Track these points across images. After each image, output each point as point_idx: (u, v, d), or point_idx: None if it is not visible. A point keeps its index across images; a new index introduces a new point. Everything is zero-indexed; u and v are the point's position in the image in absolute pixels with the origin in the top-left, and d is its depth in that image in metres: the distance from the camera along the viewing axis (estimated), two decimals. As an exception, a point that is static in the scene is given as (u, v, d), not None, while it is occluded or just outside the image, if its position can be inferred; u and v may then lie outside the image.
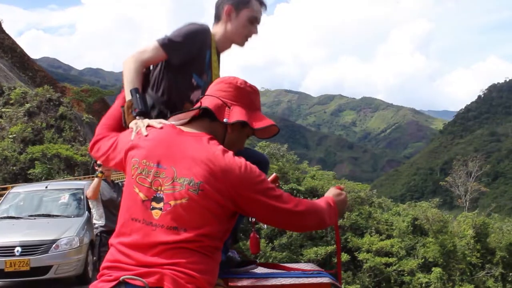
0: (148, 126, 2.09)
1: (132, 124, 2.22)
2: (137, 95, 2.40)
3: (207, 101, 1.91)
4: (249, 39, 2.84)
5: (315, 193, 29.40)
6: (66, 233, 8.49)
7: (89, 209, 8.35)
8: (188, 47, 2.59)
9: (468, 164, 58.48)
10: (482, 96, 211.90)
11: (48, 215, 9.31)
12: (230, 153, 1.80)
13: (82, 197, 9.46)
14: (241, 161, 1.79)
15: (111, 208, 7.15)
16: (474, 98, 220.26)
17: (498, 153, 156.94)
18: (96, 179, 7.11)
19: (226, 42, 2.81)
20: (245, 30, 2.77)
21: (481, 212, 37.62)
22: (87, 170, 28.40)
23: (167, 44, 2.54)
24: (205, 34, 2.68)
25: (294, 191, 28.23)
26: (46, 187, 10.28)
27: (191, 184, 1.73)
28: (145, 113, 2.33)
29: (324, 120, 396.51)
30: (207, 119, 1.90)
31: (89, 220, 8.68)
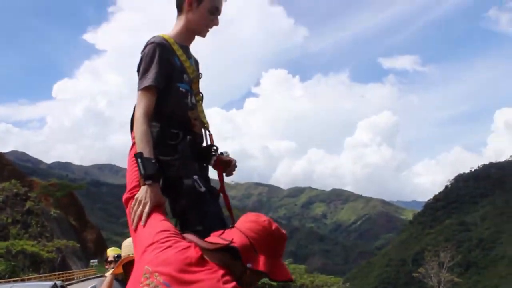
0: (150, 213, 2.16)
1: (134, 205, 2.26)
2: (139, 159, 2.37)
3: (237, 237, 1.82)
4: (209, 30, 2.87)
5: (287, 287, 28.81)
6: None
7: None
8: (162, 66, 2.60)
9: (439, 254, 58.43)
10: (449, 186, 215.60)
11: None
12: None
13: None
14: None
15: None
16: (441, 188, 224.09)
17: (468, 242, 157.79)
18: (108, 277, 6.82)
19: (188, 33, 2.82)
20: (206, 21, 2.79)
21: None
22: (53, 268, 27.49)
23: (148, 82, 2.57)
24: (163, 44, 2.68)
25: (267, 286, 27.64)
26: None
27: None
28: (151, 176, 2.33)
29: (295, 212, 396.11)
30: (229, 254, 1.80)
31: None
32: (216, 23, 2.85)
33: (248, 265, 1.79)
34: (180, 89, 2.70)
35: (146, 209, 2.24)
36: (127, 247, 3.96)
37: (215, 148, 2.78)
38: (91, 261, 47.13)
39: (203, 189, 2.56)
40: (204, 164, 2.78)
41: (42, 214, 39.18)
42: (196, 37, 2.91)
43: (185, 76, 2.74)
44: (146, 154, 2.41)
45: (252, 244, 1.82)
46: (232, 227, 1.91)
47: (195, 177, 2.57)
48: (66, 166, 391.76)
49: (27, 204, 34.92)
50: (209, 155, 2.79)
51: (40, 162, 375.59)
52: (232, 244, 1.79)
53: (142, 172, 2.32)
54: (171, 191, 2.57)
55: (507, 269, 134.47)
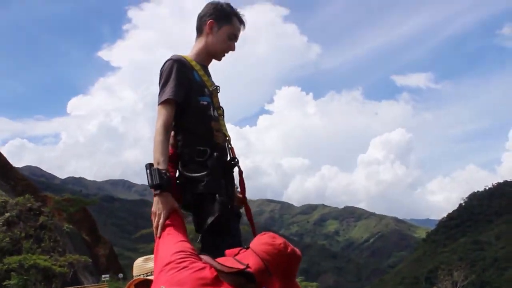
0: (168, 224, 2.27)
1: (153, 218, 2.39)
2: (148, 170, 2.46)
3: (252, 261, 1.83)
4: (226, 54, 2.98)
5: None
6: None
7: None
8: (180, 80, 2.70)
9: (453, 273, 57.83)
10: (463, 204, 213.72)
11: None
12: None
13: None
14: None
15: None
16: (455, 206, 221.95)
17: (482, 261, 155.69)
18: None
19: (206, 55, 2.94)
20: (224, 45, 2.93)
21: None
22: (65, 282, 27.56)
23: (166, 96, 2.67)
24: (181, 61, 2.79)
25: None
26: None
27: None
28: (158, 186, 2.42)
29: (307, 229, 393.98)
30: (244, 279, 1.79)
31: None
32: (233, 49, 2.97)
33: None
34: (201, 102, 2.77)
35: (161, 221, 2.34)
36: (138, 267, 4.01)
37: (236, 160, 2.83)
38: (103, 276, 47.15)
39: (229, 206, 2.66)
40: (227, 179, 2.81)
41: (55, 229, 39.32)
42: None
43: (205, 90, 2.81)
44: (159, 164, 2.51)
45: (267, 266, 1.81)
46: (247, 248, 1.91)
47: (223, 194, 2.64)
48: (80, 181, 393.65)
49: (40, 219, 35.07)
50: (231, 169, 2.85)
51: (54, 177, 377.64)
52: (248, 270, 1.79)
53: (149, 182, 2.41)
54: (200, 207, 2.64)
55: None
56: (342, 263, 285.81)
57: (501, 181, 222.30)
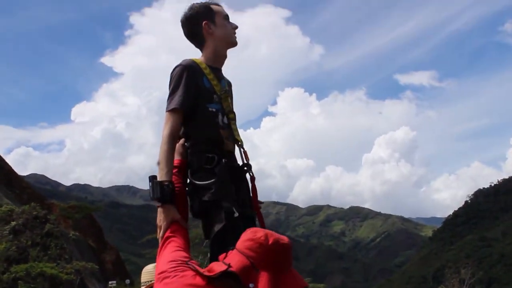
0: (169, 236, 2.33)
1: (158, 230, 2.48)
2: (150, 183, 2.52)
3: (235, 260, 1.81)
4: (235, 34, 3.03)
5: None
6: None
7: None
8: (188, 88, 2.73)
9: (460, 271, 57.69)
10: (469, 201, 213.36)
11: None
12: None
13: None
14: None
15: None
16: (460, 204, 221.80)
17: (489, 258, 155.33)
18: None
19: (220, 54, 2.97)
20: (229, 29, 2.98)
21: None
22: (72, 289, 27.61)
23: (173, 105, 2.71)
24: (191, 66, 2.81)
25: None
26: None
27: None
28: (161, 199, 2.49)
29: (313, 231, 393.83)
30: (232, 280, 1.76)
31: None
32: (236, 26, 3.01)
33: (251, 285, 1.74)
34: (210, 109, 2.79)
35: (161, 233, 2.41)
36: (149, 272, 4.04)
37: (249, 166, 2.85)
38: (110, 282, 47.17)
39: (236, 214, 2.62)
40: (240, 185, 2.82)
41: (61, 236, 39.40)
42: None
43: (215, 96, 2.83)
44: (163, 174, 2.56)
45: (252, 263, 1.77)
46: (233, 248, 1.89)
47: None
48: (85, 188, 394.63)
49: (46, 227, 35.13)
50: (243, 174, 2.86)
51: (59, 184, 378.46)
52: (230, 269, 1.76)
53: (151, 195, 2.48)
54: (207, 214, 2.66)
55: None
56: (349, 263, 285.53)
57: (506, 177, 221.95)
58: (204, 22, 2.90)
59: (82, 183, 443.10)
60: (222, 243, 2.56)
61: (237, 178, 2.80)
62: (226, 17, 3.01)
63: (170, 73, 2.83)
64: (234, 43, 3.04)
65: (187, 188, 2.73)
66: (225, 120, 2.86)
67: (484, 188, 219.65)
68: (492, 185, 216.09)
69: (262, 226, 2.87)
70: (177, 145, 2.75)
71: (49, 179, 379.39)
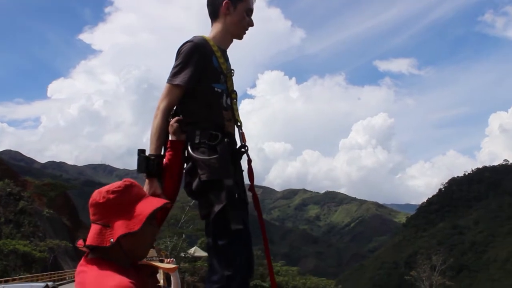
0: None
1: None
2: (138, 156, 2.55)
3: (89, 233, 1.74)
4: (246, 31, 3.00)
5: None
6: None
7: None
8: (196, 67, 2.70)
9: (432, 257, 58.68)
10: (443, 189, 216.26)
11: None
12: None
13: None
14: None
15: None
16: (435, 191, 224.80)
17: (461, 245, 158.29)
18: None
19: (227, 37, 2.94)
20: (244, 23, 2.93)
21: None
22: (45, 268, 27.39)
23: (178, 80, 2.68)
24: (202, 44, 2.78)
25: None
26: None
27: None
28: (149, 174, 2.53)
29: (289, 214, 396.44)
30: (102, 250, 1.71)
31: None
32: (252, 24, 2.97)
33: (111, 240, 1.67)
34: (216, 89, 2.77)
35: None
36: None
37: (246, 148, 2.84)
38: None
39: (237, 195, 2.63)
40: (236, 167, 2.81)
41: (35, 213, 39.02)
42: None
43: (221, 76, 2.81)
44: (152, 149, 2.59)
45: (100, 224, 1.72)
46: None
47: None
48: (60, 166, 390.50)
49: (20, 204, 34.84)
50: (240, 156, 2.84)
51: (34, 161, 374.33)
52: (86, 244, 1.72)
53: (137, 169, 2.53)
54: (205, 194, 2.64)
55: (499, 272, 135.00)
56: (323, 247, 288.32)
57: (480, 166, 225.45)
58: (225, 1, 2.87)
59: (58, 160, 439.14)
60: (222, 224, 2.55)
61: (235, 160, 2.80)
62: (249, 10, 2.94)
63: (179, 47, 2.79)
64: (238, 37, 2.99)
65: (185, 165, 2.71)
66: (228, 101, 2.85)
67: (458, 176, 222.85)
68: (466, 174, 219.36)
69: (257, 208, 2.89)
70: (175, 125, 2.69)
71: (23, 155, 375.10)
